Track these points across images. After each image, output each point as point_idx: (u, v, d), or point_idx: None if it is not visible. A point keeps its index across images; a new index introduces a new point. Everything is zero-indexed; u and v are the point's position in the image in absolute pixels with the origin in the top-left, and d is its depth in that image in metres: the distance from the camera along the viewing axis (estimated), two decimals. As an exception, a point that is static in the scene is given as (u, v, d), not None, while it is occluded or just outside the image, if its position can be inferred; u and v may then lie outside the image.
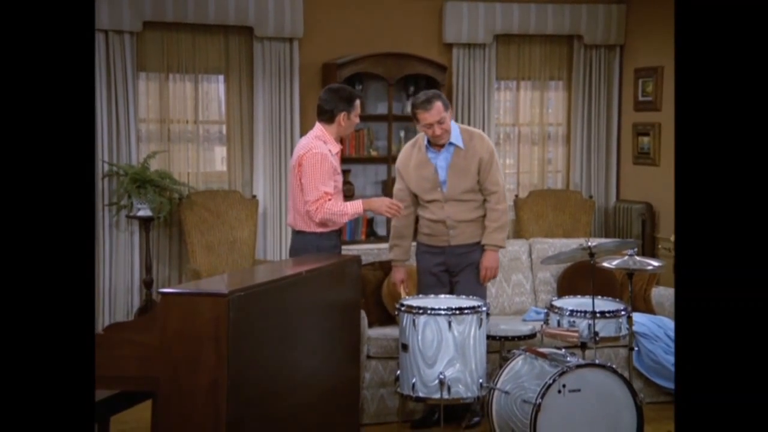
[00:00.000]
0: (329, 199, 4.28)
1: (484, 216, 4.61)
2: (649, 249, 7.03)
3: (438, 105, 4.48)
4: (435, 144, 4.57)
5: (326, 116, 4.42)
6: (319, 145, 4.34)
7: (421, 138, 4.66)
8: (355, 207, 4.37)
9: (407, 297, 4.39)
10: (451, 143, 4.57)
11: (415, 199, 4.70)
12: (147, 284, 6.37)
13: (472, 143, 4.60)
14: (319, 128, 4.44)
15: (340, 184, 4.47)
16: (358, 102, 4.48)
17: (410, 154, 4.69)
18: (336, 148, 4.43)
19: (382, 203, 4.46)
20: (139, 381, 2.96)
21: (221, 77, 6.81)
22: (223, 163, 7.00)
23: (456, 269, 4.63)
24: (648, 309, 5.42)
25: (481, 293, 4.58)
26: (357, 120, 4.49)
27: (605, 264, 4.31)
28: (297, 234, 4.43)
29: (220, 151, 7.01)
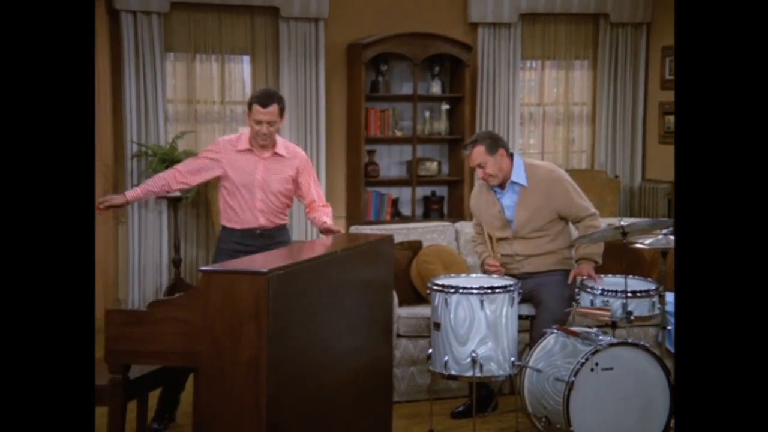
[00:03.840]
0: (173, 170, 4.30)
1: (559, 247, 4.56)
2: (675, 229, 7.02)
3: (479, 149, 4.41)
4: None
5: None
6: (229, 137, 4.34)
7: None
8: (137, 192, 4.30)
9: (440, 276, 4.41)
10: (513, 182, 4.50)
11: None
12: (176, 263, 6.43)
13: (538, 181, 4.48)
14: None
15: (232, 182, 4.21)
16: (255, 107, 4.12)
17: (480, 191, 4.66)
18: (243, 145, 4.20)
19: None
20: (182, 356, 3.00)
21: (247, 58, 6.83)
22: (248, 144, 7.01)
23: (528, 293, 4.45)
24: (677, 288, 5.41)
25: (564, 306, 4.40)
26: (253, 125, 4.15)
27: (638, 244, 4.30)
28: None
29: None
